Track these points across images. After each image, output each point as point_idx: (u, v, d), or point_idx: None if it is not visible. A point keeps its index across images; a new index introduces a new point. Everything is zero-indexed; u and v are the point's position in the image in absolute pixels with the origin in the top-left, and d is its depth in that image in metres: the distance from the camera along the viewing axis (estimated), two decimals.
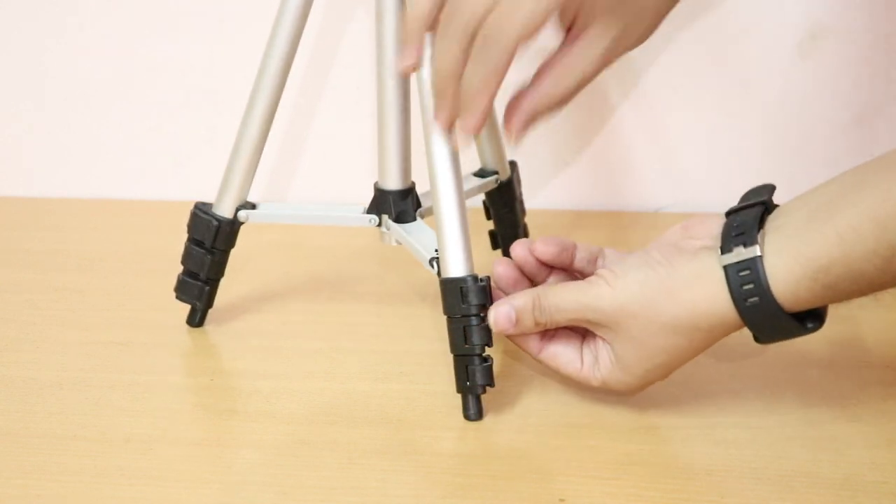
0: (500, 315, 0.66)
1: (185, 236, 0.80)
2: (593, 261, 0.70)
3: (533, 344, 0.68)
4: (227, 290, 0.84)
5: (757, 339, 0.64)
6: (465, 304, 0.67)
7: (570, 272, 0.71)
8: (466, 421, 0.69)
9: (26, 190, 1.12)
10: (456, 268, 0.68)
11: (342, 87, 1.05)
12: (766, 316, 0.60)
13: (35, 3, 1.06)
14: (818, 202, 0.61)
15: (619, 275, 0.64)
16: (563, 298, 0.65)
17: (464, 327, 0.67)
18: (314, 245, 0.97)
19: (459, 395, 0.69)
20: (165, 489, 0.63)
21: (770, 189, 0.66)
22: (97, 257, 0.96)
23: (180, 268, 0.80)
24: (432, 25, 0.63)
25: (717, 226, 0.66)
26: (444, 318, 0.68)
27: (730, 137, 1.04)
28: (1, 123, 1.11)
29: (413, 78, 0.70)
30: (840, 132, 1.03)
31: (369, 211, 0.77)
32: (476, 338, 0.67)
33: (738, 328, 0.63)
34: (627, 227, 1.03)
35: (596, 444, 0.66)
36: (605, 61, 0.61)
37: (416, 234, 0.75)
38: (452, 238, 0.68)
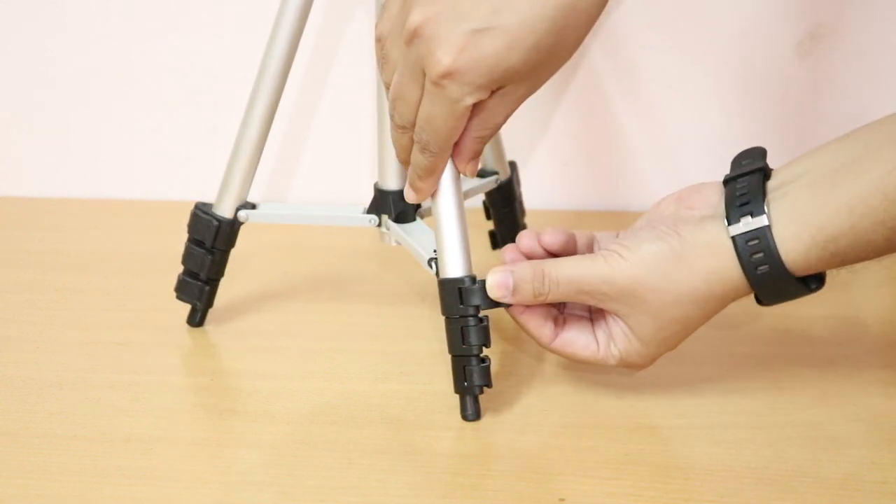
0: (495, 281, 0.66)
1: (185, 236, 0.80)
2: (590, 245, 0.70)
3: (546, 332, 0.68)
4: (227, 290, 0.84)
5: (760, 301, 0.64)
6: (463, 304, 0.67)
7: None
8: (464, 421, 0.69)
9: (26, 190, 1.12)
10: (454, 268, 0.68)
11: (342, 87, 1.05)
12: (776, 282, 0.61)
13: (35, 2, 1.06)
14: (822, 169, 0.62)
15: (633, 248, 0.64)
16: (573, 270, 0.65)
17: (461, 328, 0.67)
18: (314, 245, 0.97)
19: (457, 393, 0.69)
20: (165, 489, 0.63)
21: (762, 153, 0.67)
22: (97, 257, 0.96)
23: (180, 268, 0.80)
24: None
25: (714, 193, 0.66)
26: (444, 318, 0.68)
27: (730, 137, 1.04)
28: (1, 123, 1.11)
29: None
30: (840, 132, 1.03)
31: (369, 211, 0.77)
32: (474, 338, 0.67)
33: (747, 294, 0.63)
34: (627, 228, 1.03)
35: (596, 444, 0.66)
36: (521, 103, 0.64)
37: (415, 235, 0.75)
38: (451, 238, 0.68)
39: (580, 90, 1.04)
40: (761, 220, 0.61)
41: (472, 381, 0.67)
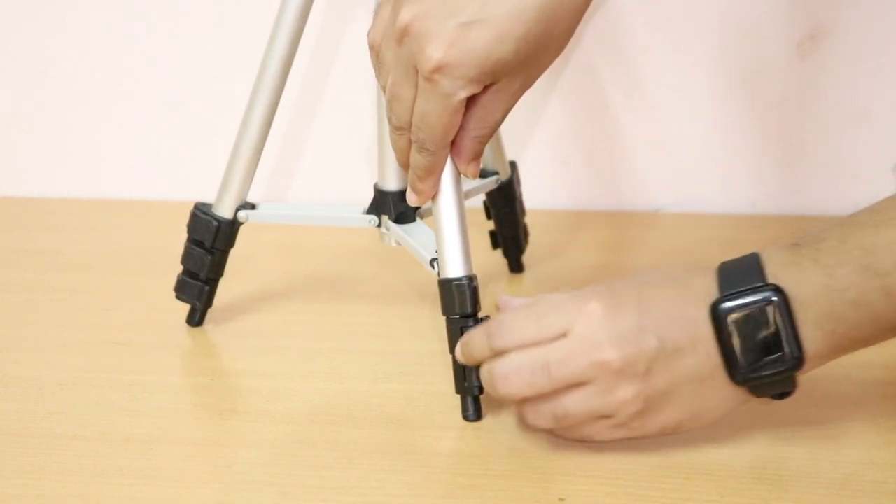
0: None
1: (185, 236, 0.80)
2: None
3: None
4: (227, 290, 0.84)
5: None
6: (463, 304, 0.67)
7: None
8: (465, 421, 0.69)
9: (26, 190, 1.12)
10: (454, 269, 0.68)
11: (342, 88, 1.05)
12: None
13: (35, 2, 1.06)
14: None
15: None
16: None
17: (461, 328, 0.67)
18: (314, 245, 0.97)
19: (459, 395, 0.69)
20: (165, 489, 0.63)
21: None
22: (97, 257, 0.96)
23: (180, 268, 0.80)
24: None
25: None
26: (444, 318, 0.68)
27: (729, 137, 1.05)
28: (1, 123, 1.11)
29: None
30: (840, 132, 1.03)
31: (369, 211, 0.77)
32: None
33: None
34: (627, 227, 1.03)
35: (596, 444, 0.66)
36: (517, 99, 0.64)
37: (415, 235, 0.75)
38: (451, 239, 0.68)
39: (580, 90, 1.04)
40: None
41: (472, 382, 0.67)
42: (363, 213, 0.78)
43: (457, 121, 0.63)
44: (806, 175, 1.05)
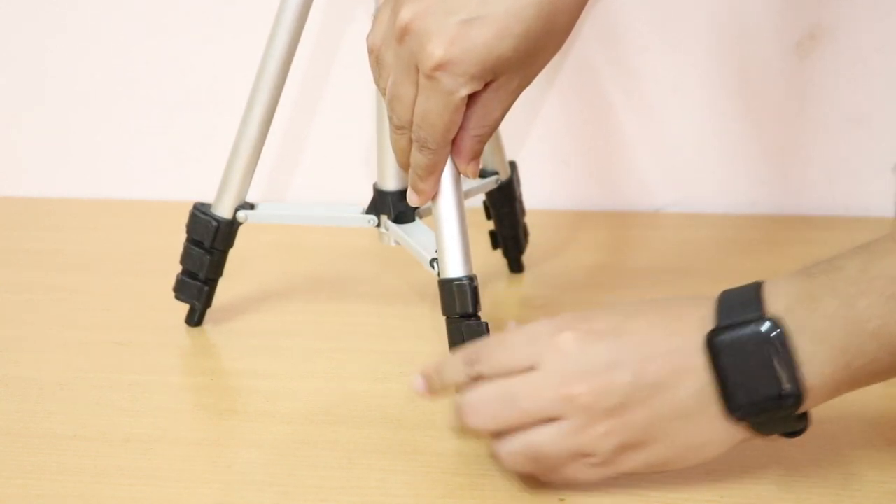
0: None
1: (184, 236, 0.80)
2: None
3: None
4: (227, 290, 0.84)
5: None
6: (464, 304, 0.67)
7: None
8: None
9: (26, 190, 1.12)
10: (454, 269, 0.68)
11: (342, 87, 1.05)
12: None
13: (35, 3, 1.06)
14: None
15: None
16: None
17: (462, 328, 0.67)
18: (314, 245, 0.97)
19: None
20: (165, 489, 0.63)
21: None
22: (97, 257, 0.96)
23: (180, 268, 0.80)
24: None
25: None
26: (443, 320, 0.68)
27: (730, 137, 1.04)
28: (1, 123, 1.11)
29: None
30: (840, 132, 1.03)
31: (368, 211, 0.77)
32: (474, 338, 0.67)
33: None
34: (627, 227, 1.03)
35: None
36: (516, 97, 0.64)
37: (415, 235, 0.75)
38: (451, 239, 0.68)
39: (580, 90, 1.04)
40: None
41: None
42: (362, 213, 0.78)
43: (458, 118, 0.63)
44: (806, 175, 1.05)
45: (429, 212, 0.75)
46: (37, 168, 1.12)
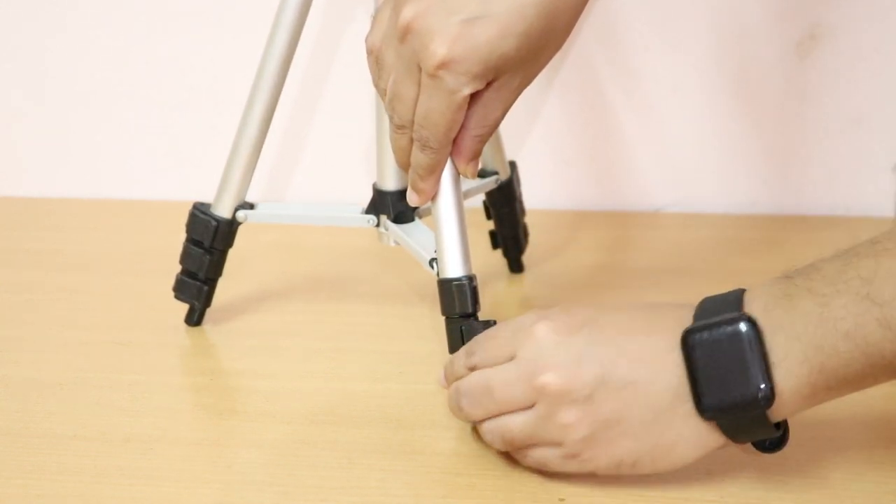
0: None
1: (184, 236, 0.80)
2: None
3: None
4: (227, 289, 0.84)
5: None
6: (463, 304, 0.67)
7: None
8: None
9: (26, 190, 1.12)
10: (454, 269, 0.68)
11: (341, 87, 1.05)
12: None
13: (35, 3, 1.06)
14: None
15: None
16: None
17: (461, 328, 0.67)
18: (314, 245, 0.97)
19: None
20: (165, 489, 0.63)
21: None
22: (97, 257, 0.96)
23: (180, 268, 0.80)
24: None
25: None
26: (443, 320, 0.68)
27: (729, 137, 1.05)
28: (1, 123, 1.11)
29: None
30: (840, 132, 1.03)
31: (367, 211, 0.77)
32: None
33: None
34: (627, 227, 1.03)
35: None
36: (517, 97, 0.64)
37: (414, 235, 0.75)
38: (450, 239, 0.68)
39: (580, 90, 1.04)
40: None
41: None
42: (362, 213, 0.78)
43: (460, 117, 0.63)
44: (806, 175, 1.05)
45: (428, 212, 0.75)
46: (37, 168, 1.12)
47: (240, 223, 0.79)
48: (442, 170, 0.67)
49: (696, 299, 0.60)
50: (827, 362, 0.54)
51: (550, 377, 0.58)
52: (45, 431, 0.69)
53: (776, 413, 0.56)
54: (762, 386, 0.55)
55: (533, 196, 0.94)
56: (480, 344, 0.64)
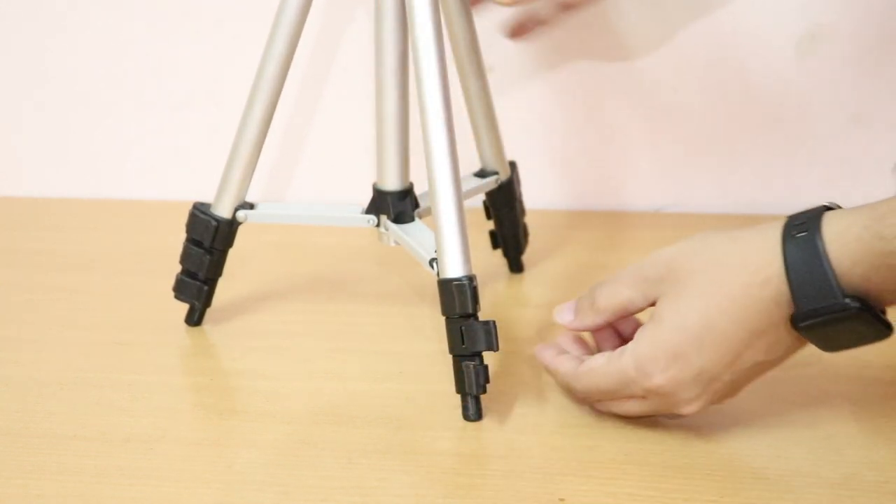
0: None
1: (184, 236, 0.80)
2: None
3: (570, 365, 0.69)
4: (227, 289, 0.84)
5: (808, 332, 0.61)
6: (464, 304, 0.67)
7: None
8: (466, 421, 0.69)
9: (26, 190, 1.12)
10: (454, 269, 0.68)
11: (342, 88, 1.05)
12: (820, 290, 0.58)
13: (35, 3, 1.06)
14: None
15: (687, 238, 0.66)
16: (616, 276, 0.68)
17: (461, 328, 0.67)
18: (314, 245, 0.97)
19: (459, 395, 0.69)
20: (165, 489, 0.63)
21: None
22: (97, 257, 0.96)
23: (180, 268, 0.80)
24: None
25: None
26: (444, 320, 0.68)
27: (730, 137, 1.04)
28: (1, 123, 1.11)
29: (412, 79, 0.70)
30: (840, 132, 1.03)
31: (368, 211, 0.77)
32: (473, 338, 0.67)
33: (789, 309, 0.60)
34: (627, 227, 1.03)
35: (596, 444, 0.66)
36: None
37: (415, 235, 0.75)
38: (450, 239, 0.68)
39: (581, 90, 1.04)
40: (815, 211, 0.60)
41: (473, 382, 0.67)
42: (362, 213, 0.78)
43: None
44: (806, 175, 1.05)
45: (429, 212, 0.75)
46: (37, 168, 1.12)
47: (240, 223, 0.79)
48: None
49: None
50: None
51: (687, 408, 0.64)
52: (45, 431, 0.69)
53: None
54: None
55: (533, 196, 0.94)
56: (585, 380, 0.67)
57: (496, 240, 0.90)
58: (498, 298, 0.88)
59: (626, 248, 0.99)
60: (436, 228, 0.69)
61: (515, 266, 0.92)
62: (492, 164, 0.85)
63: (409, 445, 0.67)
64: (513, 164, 0.87)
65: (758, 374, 0.64)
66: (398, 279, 0.91)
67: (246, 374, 0.76)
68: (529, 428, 0.68)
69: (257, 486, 0.63)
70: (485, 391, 0.68)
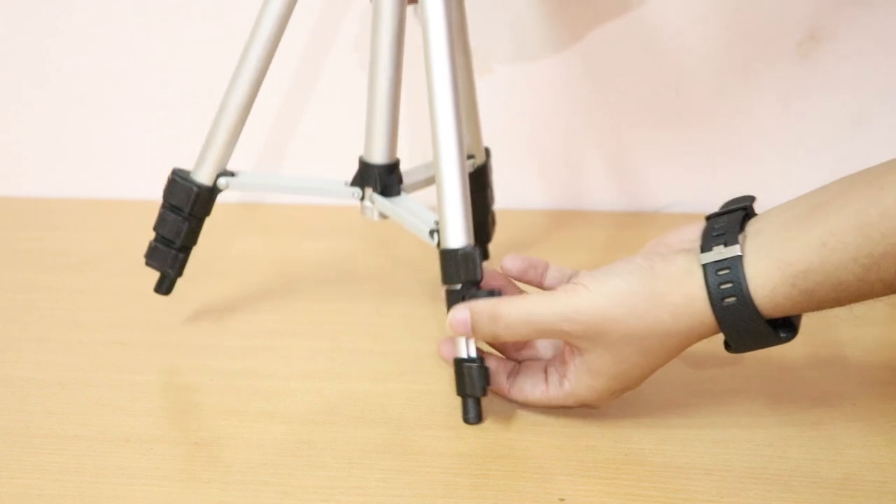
0: (455, 318, 0.67)
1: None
2: (566, 280, 0.70)
3: (503, 384, 0.69)
4: (227, 289, 0.84)
5: (728, 346, 0.64)
6: (471, 271, 0.67)
7: (542, 289, 0.71)
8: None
9: (26, 190, 1.12)
10: (458, 238, 0.67)
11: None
12: (742, 319, 0.60)
13: (35, 3, 1.06)
14: (800, 209, 0.61)
15: (603, 281, 0.63)
16: (529, 309, 0.64)
17: (463, 297, 0.67)
18: (314, 245, 0.97)
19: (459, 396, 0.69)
20: (165, 489, 0.63)
21: (751, 199, 0.66)
22: (97, 257, 0.96)
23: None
24: None
25: (694, 230, 0.66)
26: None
27: (729, 138, 1.04)
28: (1, 123, 1.11)
29: (407, 54, 0.70)
30: (840, 132, 1.03)
31: (353, 184, 0.77)
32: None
33: (712, 333, 0.62)
34: (627, 227, 1.03)
35: (595, 444, 0.66)
36: None
37: (408, 207, 0.74)
38: (454, 209, 0.67)
39: (581, 90, 1.04)
40: (734, 251, 0.60)
41: (473, 384, 0.67)
42: (347, 186, 0.77)
43: None
44: (806, 175, 1.05)
45: (415, 186, 0.74)
46: (36, 168, 1.12)
47: (220, 191, 0.78)
48: None
49: None
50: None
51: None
52: (45, 431, 0.69)
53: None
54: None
55: (533, 196, 0.94)
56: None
57: None
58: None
59: (627, 248, 0.98)
60: (439, 198, 0.68)
61: (481, 253, 0.91)
62: (470, 148, 0.84)
63: (410, 445, 0.67)
64: (487, 151, 0.87)
65: None
66: (398, 279, 0.91)
67: (246, 374, 0.76)
68: (530, 428, 0.68)
69: (257, 486, 0.63)
70: (485, 393, 0.68)
